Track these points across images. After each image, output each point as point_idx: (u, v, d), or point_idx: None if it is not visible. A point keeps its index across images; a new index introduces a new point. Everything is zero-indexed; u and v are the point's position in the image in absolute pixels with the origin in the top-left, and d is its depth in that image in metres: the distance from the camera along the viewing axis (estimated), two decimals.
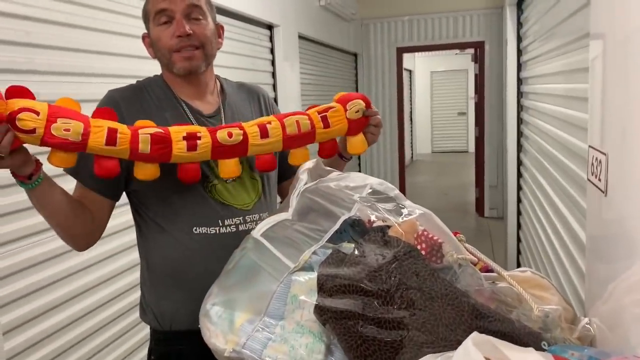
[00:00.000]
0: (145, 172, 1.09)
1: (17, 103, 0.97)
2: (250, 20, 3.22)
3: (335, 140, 1.26)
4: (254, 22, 3.30)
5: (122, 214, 1.77)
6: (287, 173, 1.38)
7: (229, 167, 1.15)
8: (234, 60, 2.94)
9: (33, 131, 0.96)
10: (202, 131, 1.12)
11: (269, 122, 1.18)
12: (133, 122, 1.12)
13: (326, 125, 1.20)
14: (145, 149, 1.06)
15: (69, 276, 1.76)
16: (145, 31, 1.27)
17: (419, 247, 0.95)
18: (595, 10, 1.08)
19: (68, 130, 0.99)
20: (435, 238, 0.97)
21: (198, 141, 1.10)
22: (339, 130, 1.22)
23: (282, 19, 3.65)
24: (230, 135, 1.13)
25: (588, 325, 0.96)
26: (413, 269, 0.88)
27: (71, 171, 1.16)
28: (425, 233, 0.97)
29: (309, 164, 1.14)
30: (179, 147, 1.08)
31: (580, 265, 1.75)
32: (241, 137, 1.14)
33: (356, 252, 0.91)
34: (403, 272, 0.86)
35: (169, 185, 1.17)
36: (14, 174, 1.01)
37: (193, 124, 1.20)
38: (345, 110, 1.21)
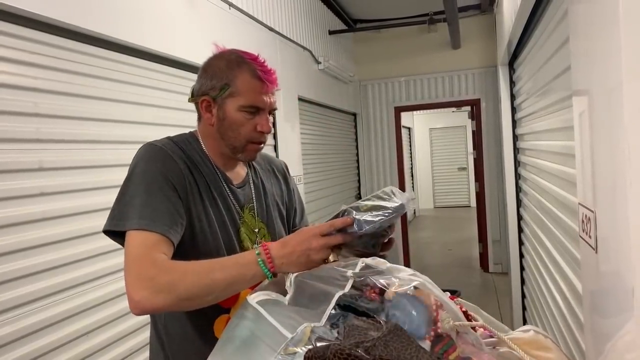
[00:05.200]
0: None
1: None
2: None
3: None
4: None
5: None
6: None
7: None
8: None
9: None
10: None
11: None
12: (179, 183, 1.15)
13: None
14: None
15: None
16: (207, 97, 1.22)
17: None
18: (577, 69, 1.12)
19: None
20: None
21: None
22: None
23: (281, 83, 3.76)
24: None
25: None
26: (398, 346, 0.86)
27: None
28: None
29: None
30: None
31: (581, 321, 1.73)
32: None
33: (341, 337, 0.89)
34: (389, 350, 0.85)
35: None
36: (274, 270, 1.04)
37: (226, 193, 1.26)
38: None
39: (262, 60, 1.24)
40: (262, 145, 1.28)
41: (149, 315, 1.33)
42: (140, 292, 0.99)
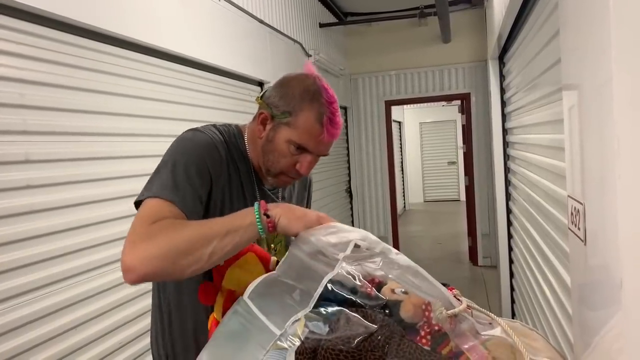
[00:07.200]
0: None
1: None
2: (240, 77, 3.31)
3: None
4: (244, 79, 3.39)
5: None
6: None
7: None
8: (226, 117, 3.01)
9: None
10: None
11: None
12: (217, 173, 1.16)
13: None
14: None
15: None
16: (267, 112, 1.20)
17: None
18: (567, 64, 1.12)
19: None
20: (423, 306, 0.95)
21: None
22: None
23: (272, 76, 3.76)
24: None
25: None
26: (390, 341, 0.86)
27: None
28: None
29: None
30: None
31: (570, 313, 1.75)
32: None
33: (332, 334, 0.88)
34: (381, 345, 0.85)
35: None
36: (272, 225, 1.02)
37: (257, 194, 1.27)
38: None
39: (336, 108, 1.20)
40: (295, 180, 1.28)
41: (149, 311, 1.33)
42: (134, 252, 0.93)
